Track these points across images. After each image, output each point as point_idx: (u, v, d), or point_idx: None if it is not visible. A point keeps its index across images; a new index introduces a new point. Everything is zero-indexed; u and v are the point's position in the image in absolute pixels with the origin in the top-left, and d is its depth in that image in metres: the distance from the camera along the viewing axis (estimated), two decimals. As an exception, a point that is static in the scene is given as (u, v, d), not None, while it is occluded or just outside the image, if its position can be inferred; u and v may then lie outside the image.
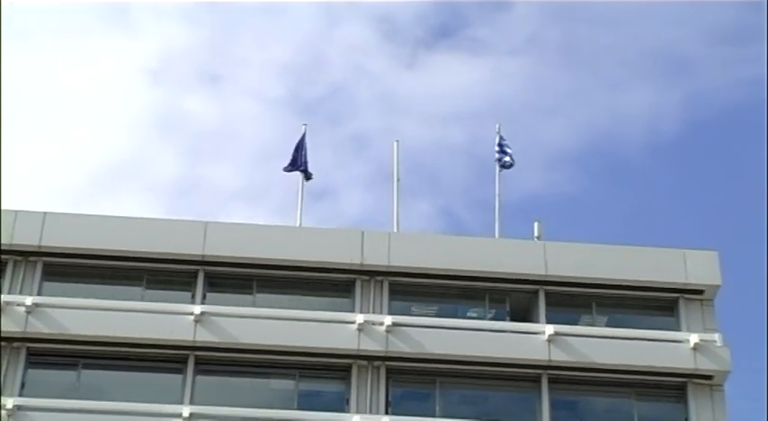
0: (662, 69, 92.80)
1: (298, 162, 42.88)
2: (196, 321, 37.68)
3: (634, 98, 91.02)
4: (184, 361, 37.84)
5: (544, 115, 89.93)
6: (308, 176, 43.12)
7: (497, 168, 43.83)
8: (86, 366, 38.02)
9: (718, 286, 39.81)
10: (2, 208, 39.21)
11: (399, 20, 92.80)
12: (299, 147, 43.15)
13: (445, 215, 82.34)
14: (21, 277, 38.89)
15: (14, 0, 75.82)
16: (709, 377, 38.27)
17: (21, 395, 36.39)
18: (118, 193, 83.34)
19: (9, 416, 35.39)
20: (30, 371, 37.39)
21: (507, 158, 43.43)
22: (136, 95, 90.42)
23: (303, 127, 44.18)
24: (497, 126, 44.89)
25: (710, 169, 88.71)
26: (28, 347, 37.40)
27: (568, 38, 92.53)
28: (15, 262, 38.97)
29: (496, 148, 44.07)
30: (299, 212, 42.46)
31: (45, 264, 39.14)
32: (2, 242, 38.32)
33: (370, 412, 37.15)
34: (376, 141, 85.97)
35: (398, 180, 43.42)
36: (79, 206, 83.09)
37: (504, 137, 44.72)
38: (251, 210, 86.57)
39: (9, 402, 35.59)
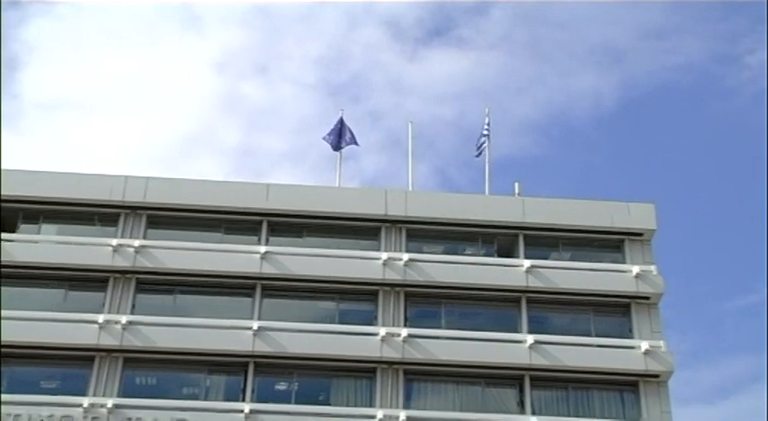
0: (603, 59, 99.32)
1: (346, 137, 46.10)
2: (261, 258, 41.28)
3: (582, 81, 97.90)
4: (253, 287, 41.29)
5: (513, 95, 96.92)
6: (356, 143, 46.39)
7: (487, 142, 46.68)
8: (180, 292, 41.42)
9: (654, 230, 43.30)
10: (112, 173, 43.03)
11: (403, 23, 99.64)
12: (343, 126, 46.29)
13: (439, 173, 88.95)
14: (130, 226, 42.26)
15: (111, 6, 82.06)
16: (647, 298, 41.79)
17: (131, 313, 40.11)
18: (193, 157, 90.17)
19: (123, 329, 39.09)
20: (138, 295, 40.92)
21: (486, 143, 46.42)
22: (204, 82, 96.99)
23: (341, 111, 47.34)
24: (487, 110, 47.82)
25: (644, 137, 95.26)
26: (136, 278, 41.06)
27: (532, 36, 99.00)
28: (126, 214, 42.43)
29: (485, 126, 47.01)
30: (337, 175, 45.70)
31: (148, 216, 42.51)
32: (115, 200, 42.16)
33: (393, 325, 40.69)
34: (387, 116, 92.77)
35: (412, 152, 46.59)
36: (166, 167, 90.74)
37: (486, 112, 47.58)
38: (293, 169, 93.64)
39: (123, 319, 39.33)
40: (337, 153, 46.46)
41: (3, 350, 38.38)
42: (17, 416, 37.26)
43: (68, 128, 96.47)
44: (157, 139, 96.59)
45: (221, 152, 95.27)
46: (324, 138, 46.64)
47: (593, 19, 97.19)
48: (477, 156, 46.85)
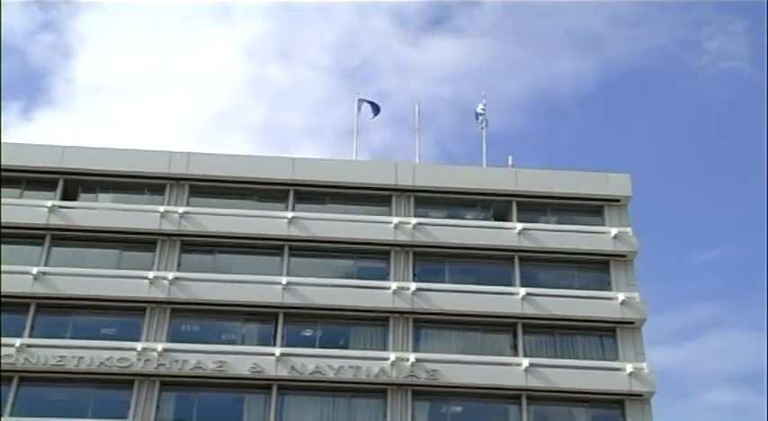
0: (583, 44, 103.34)
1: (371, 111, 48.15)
2: (289, 222, 43.36)
3: (564, 65, 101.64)
4: (281, 248, 43.25)
5: (503, 77, 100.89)
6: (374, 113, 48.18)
7: (484, 122, 48.46)
8: (219, 251, 43.31)
9: (630, 196, 45.16)
10: (159, 149, 44.97)
11: (406, 14, 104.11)
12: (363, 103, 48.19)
13: (439, 146, 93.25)
14: (175, 194, 44.18)
15: (152, 3, 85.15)
16: (623, 256, 43.82)
17: (177, 270, 42.23)
18: (224, 132, 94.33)
19: (170, 284, 41.33)
20: (183, 255, 42.97)
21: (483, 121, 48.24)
22: (234, 66, 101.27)
23: (357, 94, 49.37)
24: (483, 92, 49.96)
25: (620, 114, 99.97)
26: (181, 240, 43.20)
27: (519, 25, 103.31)
28: (171, 185, 44.54)
29: (482, 107, 48.72)
30: (354, 150, 47.71)
31: (191, 186, 44.49)
32: (162, 172, 44.19)
33: (403, 280, 42.62)
34: (393, 96, 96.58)
35: (419, 129, 48.40)
36: (201, 141, 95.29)
37: (480, 93, 50.79)
38: (311, 143, 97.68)
39: (170, 275, 41.53)
40: (349, 129, 49.04)
41: (68, 302, 41.65)
42: (81, 358, 39.75)
43: (116, 108, 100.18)
44: (193, 117, 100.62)
45: (249, 128, 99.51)
46: (361, 100, 48.53)
47: (574, 9, 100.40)
48: (480, 122, 48.59)
